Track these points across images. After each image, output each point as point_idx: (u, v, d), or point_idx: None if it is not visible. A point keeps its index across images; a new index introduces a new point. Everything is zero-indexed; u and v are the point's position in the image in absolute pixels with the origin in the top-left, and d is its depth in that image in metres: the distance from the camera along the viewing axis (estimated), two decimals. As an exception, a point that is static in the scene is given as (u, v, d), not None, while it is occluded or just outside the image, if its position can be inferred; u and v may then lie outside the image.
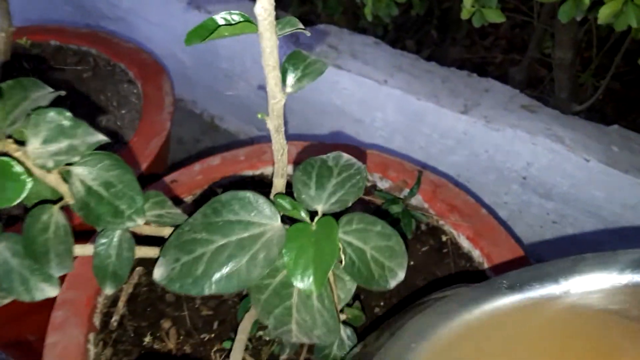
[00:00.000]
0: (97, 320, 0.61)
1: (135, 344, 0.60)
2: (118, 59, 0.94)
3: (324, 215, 0.44)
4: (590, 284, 0.44)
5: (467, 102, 0.99)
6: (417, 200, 0.71)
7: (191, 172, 0.73)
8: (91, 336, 0.59)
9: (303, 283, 0.41)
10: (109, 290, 0.44)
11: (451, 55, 1.31)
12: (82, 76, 0.91)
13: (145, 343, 0.60)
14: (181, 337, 0.60)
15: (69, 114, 0.35)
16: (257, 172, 0.76)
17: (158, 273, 0.42)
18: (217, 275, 0.41)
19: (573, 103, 1.09)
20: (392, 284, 0.44)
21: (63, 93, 0.37)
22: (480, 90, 1.02)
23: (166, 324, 0.61)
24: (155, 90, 0.87)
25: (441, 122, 0.99)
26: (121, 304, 0.62)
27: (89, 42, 0.96)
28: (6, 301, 0.44)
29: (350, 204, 0.44)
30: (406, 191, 0.72)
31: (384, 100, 1.03)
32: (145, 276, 0.65)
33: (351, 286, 0.47)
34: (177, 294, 0.64)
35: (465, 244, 0.67)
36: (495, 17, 0.77)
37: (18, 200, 0.32)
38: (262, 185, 0.75)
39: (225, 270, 0.41)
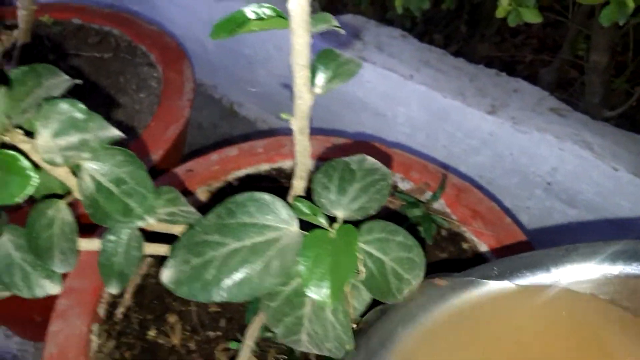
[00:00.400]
0: (101, 311, 0.60)
1: (139, 338, 0.58)
2: (140, 40, 0.92)
3: (344, 222, 0.42)
4: (581, 274, 0.44)
5: (494, 102, 0.96)
6: (438, 204, 0.69)
7: (208, 162, 0.71)
8: (95, 327, 0.58)
9: (318, 294, 0.39)
10: (113, 290, 0.42)
11: (480, 52, 1.26)
12: (103, 56, 0.89)
13: (149, 337, 0.58)
14: (186, 333, 0.58)
15: (82, 105, 0.32)
16: (275, 166, 0.74)
17: (166, 275, 0.40)
18: (228, 282, 0.39)
19: (604, 109, 1.05)
20: (405, 294, 0.42)
21: (79, 81, 0.35)
22: (509, 91, 0.99)
23: (172, 318, 0.59)
24: (175, 75, 0.85)
25: (466, 122, 0.96)
26: (127, 295, 0.60)
27: (111, 22, 0.94)
28: (5, 295, 0.43)
29: (373, 212, 0.42)
30: (428, 194, 0.69)
31: (408, 96, 1.00)
32: (155, 267, 0.63)
33: (367, 297, 0.45)
34: (185, 288, 0.62)
35: (486, 253, 0.64)
36: (533, 17, 0.74)
37: (22, 197, 0.30)
38: (279, 179, 0.73)
39: (236, 276, 0.39)
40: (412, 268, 0.41)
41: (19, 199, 0.30)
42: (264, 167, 0.74)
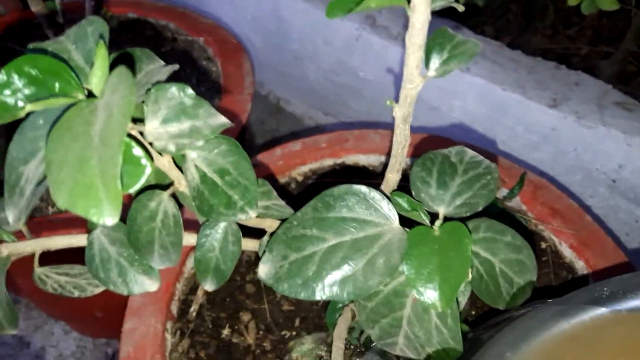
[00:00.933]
0: (174, 309, 0.58)
1: (213, 336, 0.57)
2: (196, 34, 0.91)
3: (446, 219, 0.40)
4: None
5: (555, 95, 0.92)
6: (514, 202, 0.66)
7: (272, 157, 0.70)
8: (169, 324, 0.57)
9: (426, 297, 0.36)
10: (210, 287, 0.40)
11: (532, 45, 1.23)
12: (160, 50, 0.88)
13: (223, 336, 0.57)
14: (261, 332, 0.57)
15: (190, 91, 0.31)
16: (339, 161, 0.72)
17: (264, 270, 0.38)
18: (329, 279, 0.37)
19: (672, 102, 1.00)
20: (519, 302, 0.39)
21: (176, 67, 0.34)
22: (570, 84, 0.95)
23: (245, 316, 0.58)
24: (235, 68, 0.83)
25: (527, 115, 0.93)
26: (200, 292, 0.59)
27: (167, 16, 0.93)
28: (98, 290, 0.42)
29: (480, 209, 0.39)
30: (504, 191, 0.66)
31: (464, 89, 0.97)
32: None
33: (463, 299, 0.43)
34: (256, 285, 0.60)
35: (567, 253, 0.61)
36: (609, 4, 0.70)
37: (137, 187, 0.29)
38: (346, 174, 0.71)
39: (339, 273, 0.37)
40: (523, 271, 0.39)
41: (133, 189, 0.29)
42: (328, 162, 0.72)
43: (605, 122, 0.87)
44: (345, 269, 0.37)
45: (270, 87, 1.29)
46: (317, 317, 0.58)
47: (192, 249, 0.59)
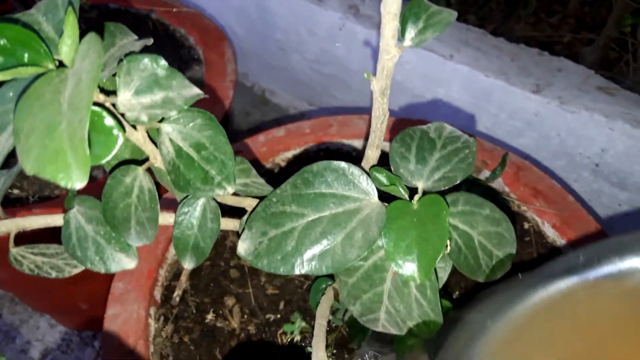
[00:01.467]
0: (158, 294, 0.58)
1: (197, 321, 0.57)
2: (178, 23, 0.90)
3: (424, 193, 0.40)
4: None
5: (538, 81, 0.93)
6: (496, 183, 0.66)
7: (255, 143, 0.69)
8: (152, 310, 0.56)
9: (405, 269, 0.37)
10: (189, 265, 0.40)
11: (515, 33, 1.23)
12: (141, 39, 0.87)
13: (207, 320, 0.57)
14: (245, 316, 0.57)
15: (164, 62, 0.31)
16: (323, 146, 0.72)
17: (243, 247, 0.38)
18: (309, 254, 0.37)
19: (653, 87, 1.01)
20: (499, 275, 0.40)
21: (150, 41, 0.33)
22: (553, 70, 0.96)
23: (230, 301, 0.58)
24: (216, 57, 0.83)
25: (510, 102, 0.93)
26: (184, 278, 0.58)
27: (148, 6, 0.92)
28: (77, 271, 0.41)
29: (458, 182, 0.39)
30: (486, 172, 0.66)
31: (449, 76, 0.98)
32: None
33: (443, 274, 0.43)
34: (241, 270, 0.60)
35: (550, 232, 0.62)
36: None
37: (108, 158, 0.29)
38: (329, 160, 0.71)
39: (318, 248, 0.37)
40: (502, 244, 0.39)
41: (105, 159, 0.28)
42: (312, 147, 0.72)
43: (587, 106, 0.88)
44: (324, 244, 0.37)
45: (255, 79, 1.29)
46: (302, 299, 0.58)
47: (175, 235, 0.59)
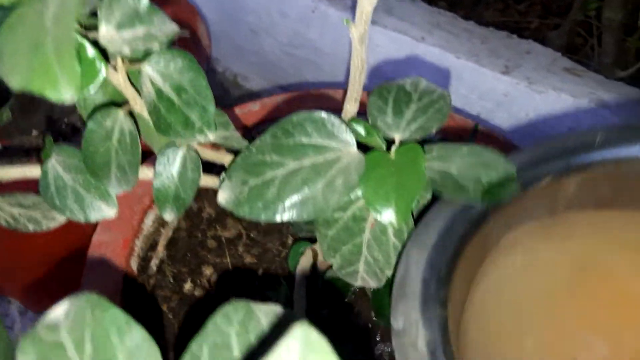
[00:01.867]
0: (134, 265, 0.57)
1: (174, 291, 0.56)
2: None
3: (402, 143, 0.40)
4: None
5: (508, 62, 0.95)
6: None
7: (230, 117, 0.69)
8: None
9: (383, 215, 0.37)
10: (169, 216, 0.40)
11: (485, 18, 1.26)
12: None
13: (185, 290, 0.56)
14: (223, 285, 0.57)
15: (144, -1, 0.30)
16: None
17: (223, 196, 0.38)
18: (290, 200, 0.37)
19: (617, 69, 1.04)
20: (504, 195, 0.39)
21: None
22: (521, 52, 0.98)
23: (207, 270, 0.58)
24: (190, 32, 0.82)
25: (481, 83, 0.95)
26: (160, 247, 0.58)
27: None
28: (54, 224, 0.41)
29: (433, 131, 0.40)
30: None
31: (421, 58, 0.99)
32: (185, 220, 0.61)
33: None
34: (218, 241, 0.60)
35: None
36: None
37: (92, 90, 0.28)
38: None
39: (299, 195, 0.37)
40: (490, 169, 0.39)
41: (89, 90, 0.28)
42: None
43: (555, 87, 0.90)
44: (305, 191, 0.37)
45: (227, 64, 1.28)
46: (280, 268, 0.58)
47: (151, 206, 0.58)
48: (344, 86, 1.16)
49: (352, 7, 1.02)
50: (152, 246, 0.60)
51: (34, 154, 0.65)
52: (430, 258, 0.38)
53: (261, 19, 1.13)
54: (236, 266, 0.58)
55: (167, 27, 0.31)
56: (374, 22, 0.98)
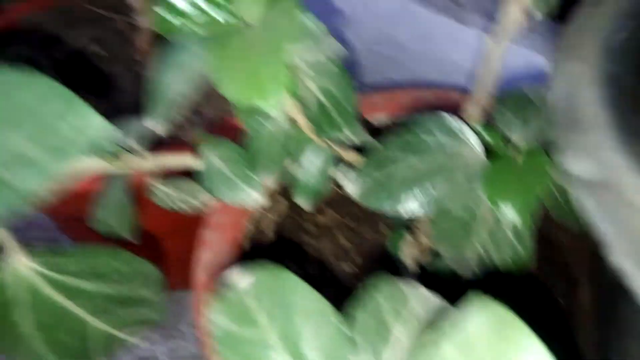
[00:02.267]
0: (246, 244, 0.63)
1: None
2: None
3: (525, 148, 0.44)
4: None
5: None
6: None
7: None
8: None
9: (503, 212, 0.40)
10: (307, 206, 0.45)
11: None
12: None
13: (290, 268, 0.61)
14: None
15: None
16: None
17: (352, 188, 0.43)
18: (412, 192, 0.42)
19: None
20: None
21: None
22: None
23: (309, 250, 0.63)
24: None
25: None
26: (268, 230, 0.63)
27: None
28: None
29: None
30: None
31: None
32: (289, 208, 0.66)
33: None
34: (318, 225, 0.65)
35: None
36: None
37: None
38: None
39: (421, 188, 0.42)
40: None
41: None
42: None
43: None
44: (427, 185, 0.42)
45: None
46: (375, 254, 0.62)
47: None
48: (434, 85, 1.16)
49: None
50: (259, 230, 0.65)
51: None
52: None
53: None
54: (333, 250, 0.63)
55: (334, 46, 0.36)
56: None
